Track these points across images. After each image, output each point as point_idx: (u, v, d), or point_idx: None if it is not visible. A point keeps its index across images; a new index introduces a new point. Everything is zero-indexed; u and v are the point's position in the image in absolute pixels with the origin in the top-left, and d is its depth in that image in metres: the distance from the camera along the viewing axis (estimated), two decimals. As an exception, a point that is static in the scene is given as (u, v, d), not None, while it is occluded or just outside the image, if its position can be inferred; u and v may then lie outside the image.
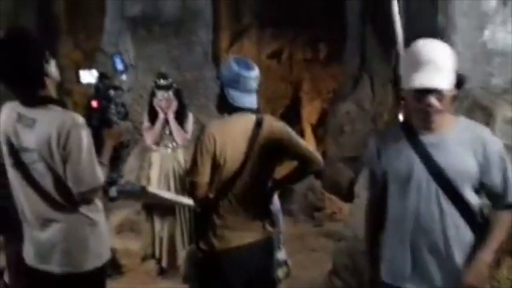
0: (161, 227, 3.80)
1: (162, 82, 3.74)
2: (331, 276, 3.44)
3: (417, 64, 1.69)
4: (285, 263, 3.05)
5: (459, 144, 1.73)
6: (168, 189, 3.78)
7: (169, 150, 3.81)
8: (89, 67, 5.35)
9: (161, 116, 3.74)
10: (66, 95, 5.20)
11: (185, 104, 3.94)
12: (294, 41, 7.46)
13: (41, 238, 1.99)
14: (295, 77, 7.49)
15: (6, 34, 1.98)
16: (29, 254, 2.06)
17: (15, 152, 1.94)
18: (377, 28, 5.88)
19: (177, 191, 3.78)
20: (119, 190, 2.51)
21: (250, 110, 2.30)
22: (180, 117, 3.79)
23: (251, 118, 2.30)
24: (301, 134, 7.46)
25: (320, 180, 5.45)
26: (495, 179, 1.75)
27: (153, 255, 3.86)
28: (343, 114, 6.41)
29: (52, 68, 1.97)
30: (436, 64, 1.67)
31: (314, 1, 6.63)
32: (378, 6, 5.43)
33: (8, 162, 1.99)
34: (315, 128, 7.36)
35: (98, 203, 2.08)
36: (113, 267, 3.81)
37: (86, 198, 1.97)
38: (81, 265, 2.01)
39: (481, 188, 1.78)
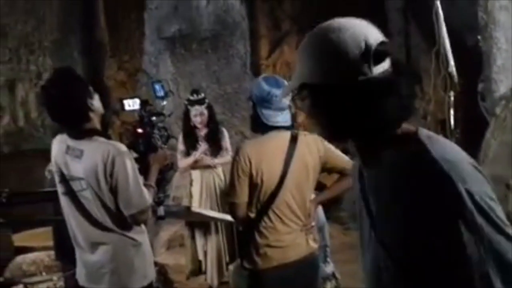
0: (204, 242, 3.85)
1: (195, 97, 3.79)
2: None
3: None
4: (333, 275, 3.01)
5: None
6: (210, 204, 3.83)
7: (209, 167, 3.86)
8: (132, 87, 5.56)
9: (200, 149, 3.76)
10: (113, 114, 5.42)
11: (217, 121, 3.97)
12: (335, 43, 7.32)
13: (91, 260, 2.14)
14: (338, 79, 7.34)
15: (53, 75, 2.17)
16: (81, 276, 2.20)
17: (66, 181, 2.11)
18: (421, 23, 5.69)
19: (218, 207, 3.82)
20: (166, 210, 2.60)
21: (284, 128, 2.28)
22: (215, 135, 3.82)
23: (286, 135, 2.28)
24: (349, 136, 7.32)
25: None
26: None
27: (200, 271, 3.92)
28: (391, 114, 6.23)
29: (96, 102, 2.12)
30: None
31: (354, 0, 6.50)
32: (419, 2, 5.25)
33: (60, 190, 2.16)
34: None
35: (142, 226, 2.18)
36: (165, 282, 3.91)
37: (137, 220, 2.10)
38: (128, 284, 2.12)
39: None
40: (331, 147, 2.37)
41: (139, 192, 2.05)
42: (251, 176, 2.22)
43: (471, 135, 4.09)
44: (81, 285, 2.20)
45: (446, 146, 0.97)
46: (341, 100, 0.96)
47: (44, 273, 3.59)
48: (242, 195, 2.24)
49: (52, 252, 3.38)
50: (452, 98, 3.91)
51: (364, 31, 0.98)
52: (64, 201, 2.14)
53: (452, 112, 3.92)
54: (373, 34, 0.97)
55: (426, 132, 0.99)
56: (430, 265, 0.94)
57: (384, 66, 0.97)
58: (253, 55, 5.74)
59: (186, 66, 5.15)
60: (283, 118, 2.28)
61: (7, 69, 5.18)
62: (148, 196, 2.09)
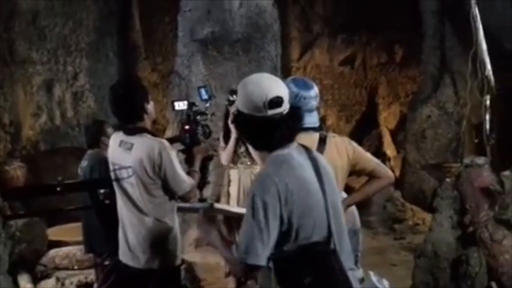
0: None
1: (233, 97, 3.83)
2: (411, 293, 3.28)
3: None
4: (362, 280, 2.97)
5: None
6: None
7: (247, 167, 3.89)
8: (164, 89, 5.66)
9: (233, 136, 3.82)
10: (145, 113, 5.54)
11: None
12: (367, 45, 7.30)
13: (130, 239, 2.43)
14: (370, 82, 7.32)
15: (120, 82, 2.64)
16: (122, 251, 2.48)
17: (116, 170, 2.42)
18: (456, 26, 5.59)
19: None
20: (191, 207, 2.74)
21: (312, 129, 2.28)
22: None
23: (315, 137, 2.27)
24: (379, 140, 7.24)
25: (400, 190, 5.23)
26: None
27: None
28: (424, 118, 6.18)
29: (150, 107, 2.47)
30: None
31: (387, 2, 6.44)
32: (456, 3, 5.16)
33: (112, 177, 2.47)
34: (394, 134, 7.11)
35: (174, 213, 2.46)
36: (192, 280, 3.94)
37: (186, 198, 2.45)
38: (159, 263, 2.38)
39: None
40: (361, 149, 2.35)
41: (184, 176, 2.40)
42: (279, 177, 2.22)
43: (507, 140, 3.97)
44: (120, 260, 2.48)
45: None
46: (250, 125, 1.60)
47: (76, 267, 3.70)
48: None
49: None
50: (488, 102, 3.80)
51: (269, 87, 1.56)
52: (115, 187, 2.45)
53: (488, 116, 3.81)
54: (273, 90, 1.55)
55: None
56: None
57: (279, 110, 1.55)
58: (284, 58, 5.74)
59: (217, 68, 5.19)
60: (311, 119, 2.26)
61: (46, 70, 5.36)
62: (190, 179, 2.44)
